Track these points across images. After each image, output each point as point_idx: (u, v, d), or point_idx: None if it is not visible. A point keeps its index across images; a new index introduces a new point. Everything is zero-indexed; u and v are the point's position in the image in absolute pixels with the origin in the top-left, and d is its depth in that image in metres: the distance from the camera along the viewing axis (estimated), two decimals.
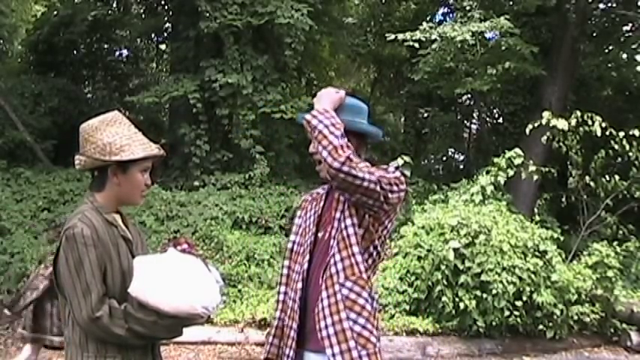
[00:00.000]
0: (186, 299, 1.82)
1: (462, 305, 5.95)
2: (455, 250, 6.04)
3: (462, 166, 13.74)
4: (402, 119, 15.67)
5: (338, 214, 2.06)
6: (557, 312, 6.06)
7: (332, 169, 1.92)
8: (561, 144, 7.49)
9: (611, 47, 10.49)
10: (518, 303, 5.94)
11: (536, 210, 7.75)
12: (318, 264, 2.08)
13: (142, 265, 1.86)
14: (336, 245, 2.04)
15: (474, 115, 14.26)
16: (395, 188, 1.99)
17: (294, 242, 2.24)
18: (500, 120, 13.78)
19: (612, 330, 6.50)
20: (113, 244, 1.88)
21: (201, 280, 1.89)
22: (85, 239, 1.80)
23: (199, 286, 1.87)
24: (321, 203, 2.20)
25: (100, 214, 1.90)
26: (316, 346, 2.03)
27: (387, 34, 9.17)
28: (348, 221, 2.04)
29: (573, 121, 7.12)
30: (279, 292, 2.25)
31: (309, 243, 2.14)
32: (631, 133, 7.04)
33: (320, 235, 2.13)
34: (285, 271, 2.24)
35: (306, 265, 2.11)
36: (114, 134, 1.92)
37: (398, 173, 2.03)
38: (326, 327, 2.00)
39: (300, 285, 2.10)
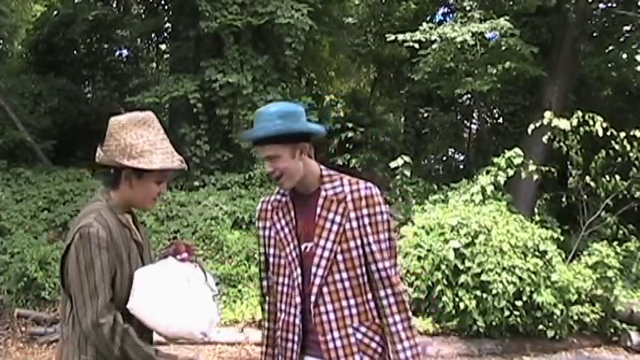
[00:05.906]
0: (185, 326, 1.80)
1: (462, 305, 5.96)
2: (455, 250, 6.05)
3: (462, 166, 13.71)
4: (402, 119, 15.65)
5: (326, 253, 2.04)
6: (557, 312, 6.05)
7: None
8: (562, 144, 7.48)
9: (611, 47, 10.45)
10: (518, 303, 5.94)
11: (536, 210, 7.74)
12: (312, 279, 2.05)
13: (142, 281, 1.81)
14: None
15: (474, 115, 14.25)
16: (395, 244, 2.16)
17: (270, 255, 2.17)
18: (500, 120, 13.79)
19: (612, 330, 6.49)
20: (125, 248, 1.85)
21: (200, 303, 1.85)
22: (99, 240, 1.76)
23: (198, 311, 1.83)
24: (292, 213, 2.11)
25: (114, 214, 1.86)
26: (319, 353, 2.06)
27: (387, 34, 9.17)
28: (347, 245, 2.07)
29: (574, 121, 7.12)
30: (263, 303, 2.26)
31: (295, 256, 2.07)
32: (631, 133, 7.04)
33: (304, 247, 2.08)
34: (265, 282, 2.23)
35: (300, 279, 2.06)
36: (139, 136, 1.86)
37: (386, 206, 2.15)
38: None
39: (298, 299, 2.06)
